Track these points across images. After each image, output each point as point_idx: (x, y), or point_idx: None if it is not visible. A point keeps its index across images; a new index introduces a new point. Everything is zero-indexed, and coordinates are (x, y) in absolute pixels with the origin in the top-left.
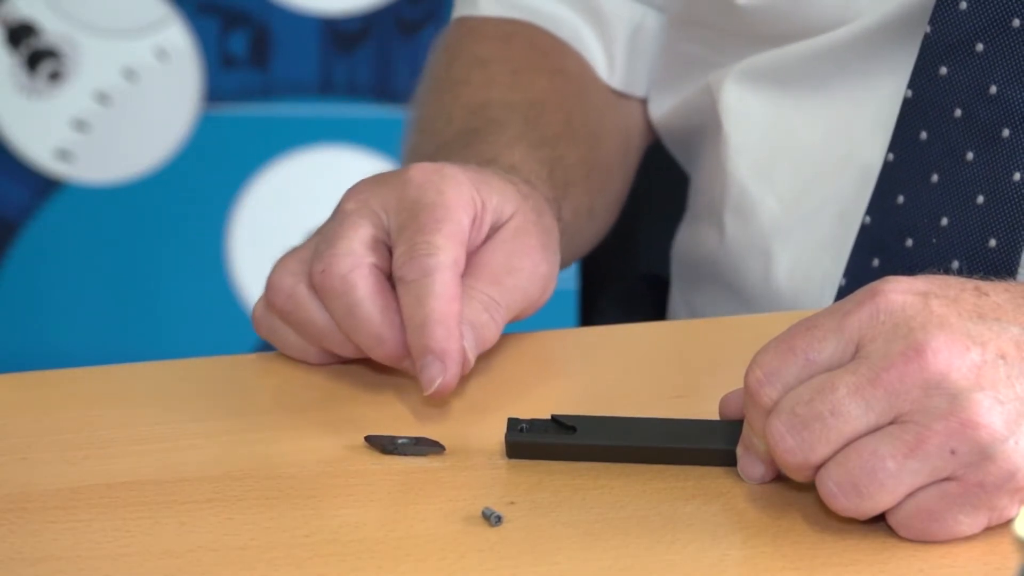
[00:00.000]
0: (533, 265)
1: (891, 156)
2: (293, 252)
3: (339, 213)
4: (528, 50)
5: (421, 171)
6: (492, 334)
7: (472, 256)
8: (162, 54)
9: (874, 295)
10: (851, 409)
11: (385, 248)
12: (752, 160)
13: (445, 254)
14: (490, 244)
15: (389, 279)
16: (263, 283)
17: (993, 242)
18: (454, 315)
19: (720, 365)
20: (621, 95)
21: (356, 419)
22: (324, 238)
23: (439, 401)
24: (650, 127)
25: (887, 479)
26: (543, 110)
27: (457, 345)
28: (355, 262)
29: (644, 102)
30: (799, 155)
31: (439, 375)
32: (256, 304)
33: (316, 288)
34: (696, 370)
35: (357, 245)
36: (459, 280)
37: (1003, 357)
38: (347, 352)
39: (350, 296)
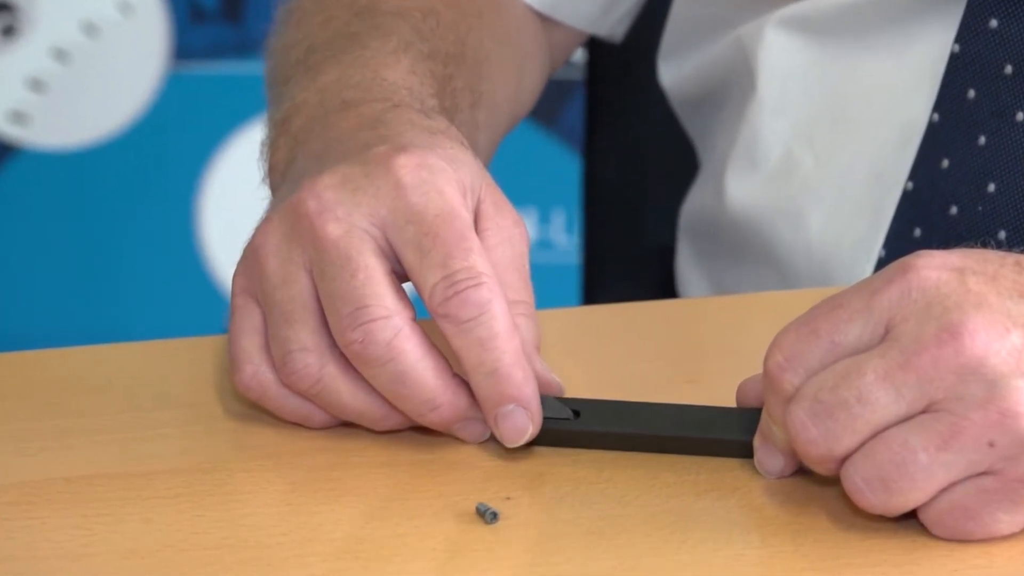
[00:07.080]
0: (524, 237)
1: (936, 116)
2: (291, 317)
3: (330, 246)
4: None
5: (407, 169)
6: (538, 337)
7: None
8: (126, 7)
9: (905, 271)
10: (880, 396)
11: (397, 278)
12: (787, 115)
13: (490, 279)
14: (488, 235)
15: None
16: (234, 262)
17: None
18: (521, 350)
19: (737, 347)
20: (545, 19)
21: None
22: (340, 296)
23: None
24: (565, 56)
25: (918, 473)
26: (437, 23)
27: (535, 386)
28: (397, 324)
29: (569, 30)
30: (836, 110)
31: (528, 424)
32: (245, 368)
33: (354, 358)
34: (711, 352)
35: (389, 301)
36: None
37: None
38: (382, 427)
39: (398, 364)
